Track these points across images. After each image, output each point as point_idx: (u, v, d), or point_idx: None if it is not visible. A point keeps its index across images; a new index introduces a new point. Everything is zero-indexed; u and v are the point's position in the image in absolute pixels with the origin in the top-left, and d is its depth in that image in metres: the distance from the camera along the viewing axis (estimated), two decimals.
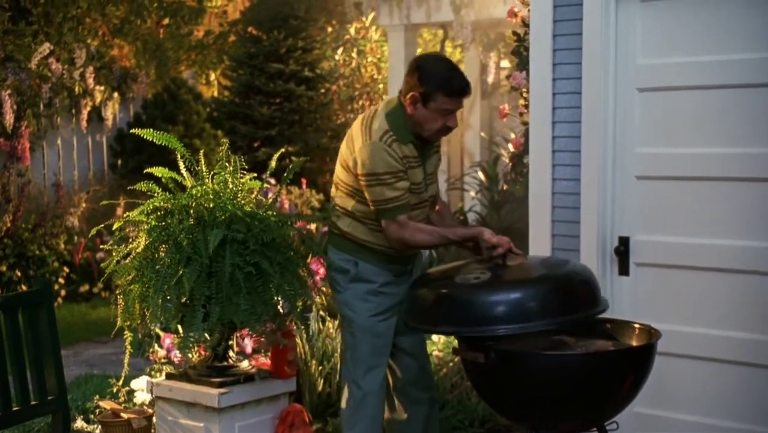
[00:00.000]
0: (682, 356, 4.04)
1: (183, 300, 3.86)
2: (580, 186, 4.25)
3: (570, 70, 4.27)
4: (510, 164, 5.61)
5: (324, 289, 5.05)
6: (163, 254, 3.88)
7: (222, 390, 4.01)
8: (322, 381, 4.99)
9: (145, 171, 4.14)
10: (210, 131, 11.29)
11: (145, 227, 3.94)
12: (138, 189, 3.98)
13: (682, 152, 4.07)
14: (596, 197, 4.20)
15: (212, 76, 12.86)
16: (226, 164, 4.04)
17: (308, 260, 4.17)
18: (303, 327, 4.15)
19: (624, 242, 4.19)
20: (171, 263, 3.84)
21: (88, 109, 10.07)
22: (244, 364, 4.21)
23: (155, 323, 3.97)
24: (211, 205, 3.95)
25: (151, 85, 11.32)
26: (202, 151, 4.31)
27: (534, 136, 4.42)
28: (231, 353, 4.19)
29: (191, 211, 3.94)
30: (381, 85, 12.28)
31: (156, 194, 3.98)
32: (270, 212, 4.03)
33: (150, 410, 4.59)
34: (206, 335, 3.99)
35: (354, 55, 12.16)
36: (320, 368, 5.01)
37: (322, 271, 5.00)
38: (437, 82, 3.61)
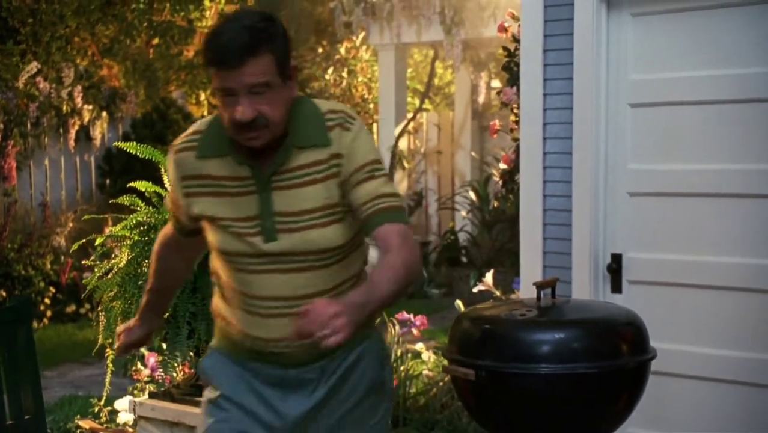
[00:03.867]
0: (677, 375, 3.98)
1: (166, 316, 3.79)
2: (571, 203, 4.19)
3: (561, 85, 4.22)
4: (501, 181, 5.55)
5: None
6: (146, 270, 3.81)
7: None
8: None
9: (128, 185, 4.08)
10: None
11: (128, 242, 3.88)
12: (121, 203, 3.91)
13: (675, 168, 4.02)
14: (588, 214, 4.15)
15: (202, 96, 12.82)
16: None
17: None
18: None
19: (616, 259, 4.14)
20: None
21: (76, 128, 10.03)
22: None
23: None
24: None
25: (140, 105, 11.28)
26: None
27: (525, 152, 4.37)
28: None
29: None
30: (372, 105, 12.26)
31: (139, 209, 3.92)
32: None
33: (132, 430, 4.51)
34: (191, 352, 3.92)
35: (345, 74, 12.15)
36: None
37: None
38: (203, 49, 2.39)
